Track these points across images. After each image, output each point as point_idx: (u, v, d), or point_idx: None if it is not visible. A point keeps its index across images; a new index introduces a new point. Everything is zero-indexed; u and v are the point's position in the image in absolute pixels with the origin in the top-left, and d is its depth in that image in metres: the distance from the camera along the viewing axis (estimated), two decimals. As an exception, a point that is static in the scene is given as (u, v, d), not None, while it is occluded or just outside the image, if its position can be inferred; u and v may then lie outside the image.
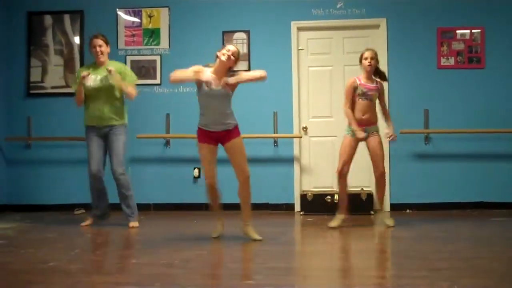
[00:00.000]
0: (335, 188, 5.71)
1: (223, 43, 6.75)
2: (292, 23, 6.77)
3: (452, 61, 6.60)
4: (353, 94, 5.34)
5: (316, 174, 6.75)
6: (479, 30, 6.58)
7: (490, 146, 6.54)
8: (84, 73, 5.36)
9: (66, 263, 3.99)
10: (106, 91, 5.42)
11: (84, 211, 6.59)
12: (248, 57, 6.77)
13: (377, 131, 5.41)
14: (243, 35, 6.80)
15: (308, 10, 6.75)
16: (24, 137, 6.93)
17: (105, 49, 5.50)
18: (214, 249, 4.48)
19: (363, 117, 5.33)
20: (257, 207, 6.61)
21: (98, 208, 5.59)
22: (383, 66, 6.60)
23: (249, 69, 6.78)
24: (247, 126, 6.59)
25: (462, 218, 6.01)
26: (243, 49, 6.76)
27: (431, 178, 6.59)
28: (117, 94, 5.47)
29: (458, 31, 6.60)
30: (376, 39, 6.70)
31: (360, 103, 5.34)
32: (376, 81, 5.43)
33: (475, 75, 6.58)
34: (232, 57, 4.61)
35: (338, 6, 6.75)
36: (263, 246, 4.53)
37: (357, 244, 4.77)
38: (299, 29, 6.79)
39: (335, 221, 5.37)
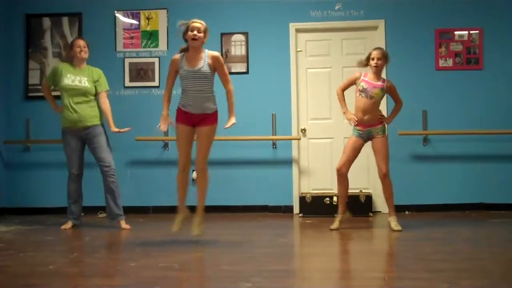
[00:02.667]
0: (334, 189, 5.70)
1: (221, 44, 6.76)
2: (291, 24, 6.76)
3: (450, 62, 6.60)
4: (352, 84, 5.38)
5: (315, 176, 6.75)
6: (477, 31, 6.58)
7: (489, 147, 6.54)
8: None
9: (65, 266, 3.99)
10: (83, 92, 5.51)
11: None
12: (246, 58, 6.77)
13: (383, 132, 5.35)
14: (241, 37, 6.79)
15: (307, 12, 6.75)
16: (22, 140, 6.92)
17: (87, 51, 5.62)
18: (212, 252, 4.48)
19: (364, 118, 5.27)
20: (256, 209, 6.66)
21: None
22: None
23: (247, 71, 6.78)
24: (246, 128, 6.60)
25: (461, 220, 6.00)
26: (242, 51, 6.76)
27: (430, 179, 6.59)
28: (92, 96, 5.56)
29: (456, 32, 6.60)
30: (375, 40, 6.69)
31: (360, 99, 5.29)
32: (383, 80, 5.36)
33: (473, 76, 6.58)
34: (198, 35, 4.58)
35: (337, 7, 6.75)
36: (262, 248, 4.53)
37: (356, 246, 4.77)
38: (298, 30, 6.79)
39: (335, 223, 5.36)
